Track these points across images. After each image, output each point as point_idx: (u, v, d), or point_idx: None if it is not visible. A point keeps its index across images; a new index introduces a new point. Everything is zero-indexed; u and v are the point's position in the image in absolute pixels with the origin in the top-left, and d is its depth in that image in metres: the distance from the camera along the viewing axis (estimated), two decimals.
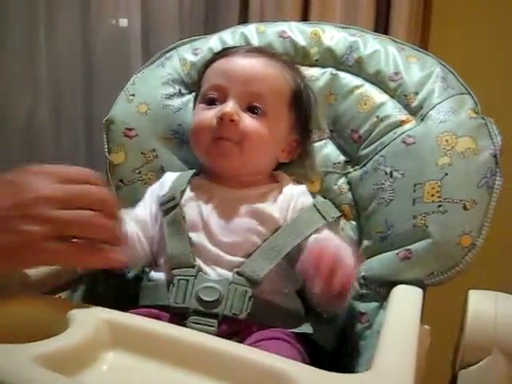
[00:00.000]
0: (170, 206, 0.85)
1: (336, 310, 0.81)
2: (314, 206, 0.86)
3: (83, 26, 1.31)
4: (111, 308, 0.67)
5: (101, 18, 1.35)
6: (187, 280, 0.78)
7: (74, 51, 1.32)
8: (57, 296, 0.78)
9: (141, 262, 0.86)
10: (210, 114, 0.86)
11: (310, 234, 0.82)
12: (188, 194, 0.87)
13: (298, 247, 0.80)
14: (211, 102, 0.88)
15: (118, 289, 0.91)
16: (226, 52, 0.93)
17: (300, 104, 0.92)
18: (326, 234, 0.82)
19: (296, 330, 0.79)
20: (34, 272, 0.76)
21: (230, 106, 0.84)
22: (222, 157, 0.86)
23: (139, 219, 0.87)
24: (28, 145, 1.28)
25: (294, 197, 0.87)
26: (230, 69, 0.88)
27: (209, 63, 0.94)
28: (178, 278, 0.78)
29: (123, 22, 1.39)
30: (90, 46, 1.33)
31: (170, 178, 0.92)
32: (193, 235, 0.82)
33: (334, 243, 0.76)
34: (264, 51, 0.94)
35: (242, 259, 0.80)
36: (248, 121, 0.85)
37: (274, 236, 0.82)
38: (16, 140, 1.26)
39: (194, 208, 0.85)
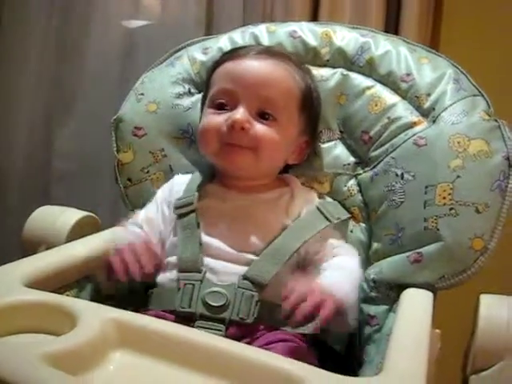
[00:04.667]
0: (185, 211, 0.85)
1: (338, 330, 0.81)
2: (318, 208, 0.86)
3: None
4: (118, 307, 0.66)
5: None
6: (193, 284, 0.78)
7: None
8: (64, 295, 0.78)
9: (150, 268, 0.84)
10: (219, 119, 0.85)
11: (314, 235, 0.83)
12: (202, 199, 0.87)
13: (303, 248, 0.81)
14: (220, 107, 0.87)
15: (125, 288, 0.90)
16: (234, 54, 0.92)
17: (310, 105, 0.92)
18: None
19: (303, 331, 0.78)
20: (41, 270, 0.75)
21: (240, 113, 0.84)
22: (233, 162, 0.86)
23: (152, 222, 0.88)
24: None
25: (303, 205, 0.87)
26: (239, 73, 0.87)
27: (217, 65, 0.92)
28: (185, 282, 0.78)
29: None
30: None
31: (180, 180, 0.92)
32: (205, 238, 0.83)
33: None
34: (273, 52, 0.92)
35: (251, 255, 0.81)
36: (259, 127, 0.85)
37: (278, 238, 0.82)
38: None
39: (207, 213, 0.85)
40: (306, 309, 0.70)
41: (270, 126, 0.85)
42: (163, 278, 0.83)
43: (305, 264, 0.83)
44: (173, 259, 0.83)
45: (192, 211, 0.85)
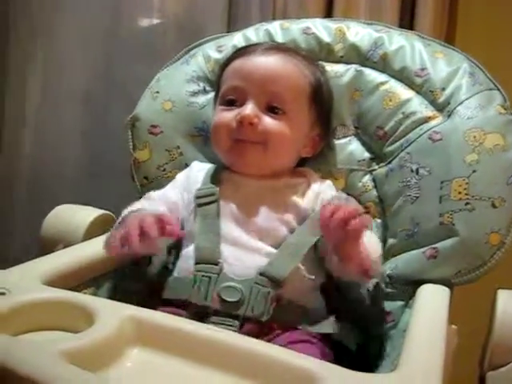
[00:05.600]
0: (206, 201, 0.85)
1: (364, 280, 0.81)
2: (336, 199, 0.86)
3: None
4: (136, 305, 0.67)
5: None
6: (210, 277, 0.78)
7: None
8: (82, 292, 0.78)
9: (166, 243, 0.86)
10: (229, 115, 0.86)
11: None
12: (219, 185, 0.87)
13: (320, 242, 0.80)
14: (230, 103, 0.88)
15: (143, 285, 0.91)
16: (243, 51, 0.93)
17: (321, 99, 0.92)
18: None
19: (319, 331, 0.78)
20: (59, 269, 0.76)
21: (249, 109, 0.84)
22: (243, 157, 0.86)
23: (171, 201, 0.88)
24: None
25: (321, 192, 0.87)
26: (247, 69, 0.88)
27: (226, 63, 0.93)
28: (201, 274, 0.78)
29: None
30: None
31: (199, 168, 0.93)
32: (223, 225, 0.82)
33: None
34: (281, 48, 0.93)
35: (269, 248, 0.80)
36: (268, 121, 0.85)
37: (296, 231, 0.82)
38: None
39: (225, 200, 0.85)
40: (339, 217, 0.70)
41: (279, 119, 0.85)
42: (179, 265, 0.83)
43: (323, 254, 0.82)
44: (190, 249, 0.82)
45: (213, 201, 0.85)
